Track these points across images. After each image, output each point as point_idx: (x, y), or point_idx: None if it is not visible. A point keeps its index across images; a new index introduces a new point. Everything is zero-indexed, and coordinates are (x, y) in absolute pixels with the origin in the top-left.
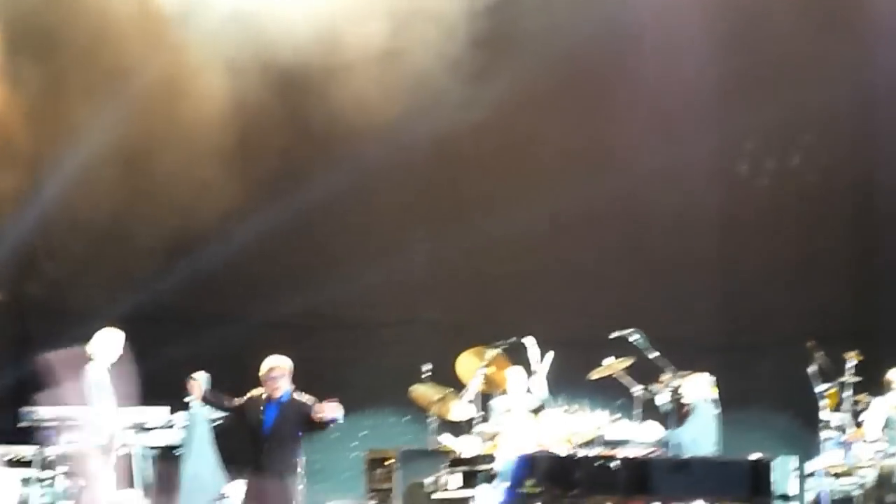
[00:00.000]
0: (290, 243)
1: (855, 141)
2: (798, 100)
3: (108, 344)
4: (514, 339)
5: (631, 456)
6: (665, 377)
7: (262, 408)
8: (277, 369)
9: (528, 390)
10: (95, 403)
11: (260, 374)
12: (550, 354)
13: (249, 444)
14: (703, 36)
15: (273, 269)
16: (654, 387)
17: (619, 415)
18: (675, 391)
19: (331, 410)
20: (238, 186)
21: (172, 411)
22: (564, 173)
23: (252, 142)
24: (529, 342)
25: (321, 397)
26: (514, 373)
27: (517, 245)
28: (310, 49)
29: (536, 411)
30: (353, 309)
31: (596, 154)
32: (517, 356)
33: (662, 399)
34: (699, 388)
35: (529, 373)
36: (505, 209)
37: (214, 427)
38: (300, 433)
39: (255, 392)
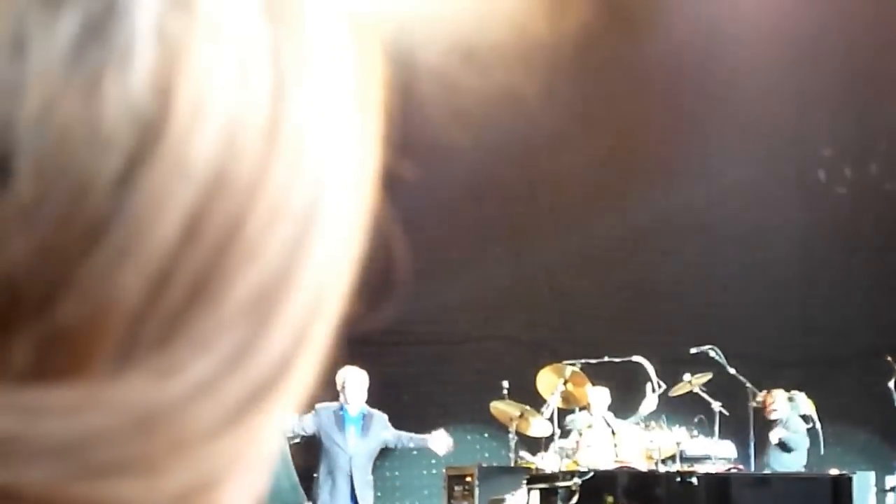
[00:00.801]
0: (368, 258)
1: None
2: (875, 107)
3: None
4: (626, 358)
5: (711, 472)
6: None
7: (335, 422)
8: (356, 380)
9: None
10: None
11: (338, 385)
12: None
13: (323, 463)
14: (778, 45)
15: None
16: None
17: (696, 431)
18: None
19: (442, 444)
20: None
21: None
22: (643, 187)
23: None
24: (644, 362)
25: (401, 414)
26: (598, 392)
27: (595, 260)
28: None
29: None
30: (433, 325)
31: (673, 167)
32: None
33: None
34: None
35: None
36: (583, 224)
37: (293, 444)
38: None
39: (327, 405)
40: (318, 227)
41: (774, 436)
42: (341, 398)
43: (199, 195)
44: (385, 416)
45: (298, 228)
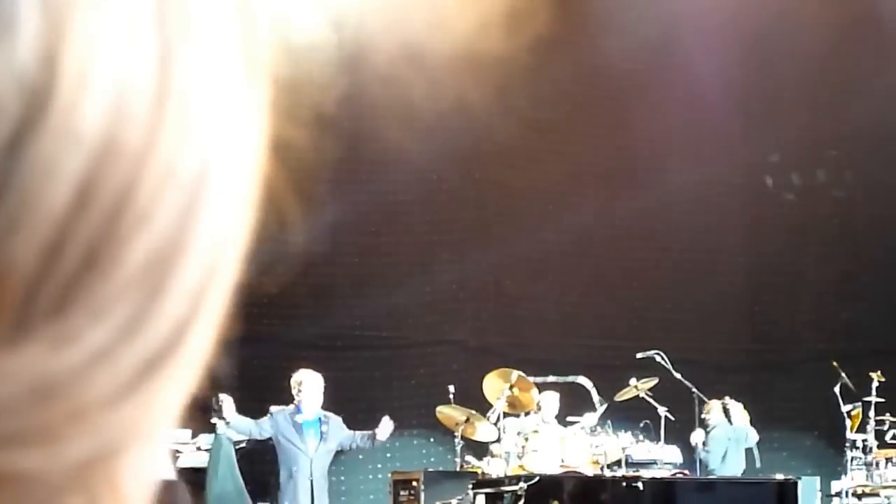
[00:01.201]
0: (316, 263)
1: (882, 157)
2: (824, 115)
3: None
4: (570, 378)
5: (657, 477)
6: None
7: (293, 426)
8: (312, 383)
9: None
10: None
11: (293, 389)
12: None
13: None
14: (727, 52)
15: (298, 290)
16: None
17: (642, 436)
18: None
19: (387, 429)
20: (262, 206)
21: (195, 434)
22: (589, 192)
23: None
24: (587, 383)
25: (348, 418)
26: (548, 396)
27: (543, 265)
28: (334, 70)
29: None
30: (380, 330)
31: (621, 172)
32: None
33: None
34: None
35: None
36: (530, 229)
37: (238, 449)
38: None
39: (282, 408)
40: (208, 194)
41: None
42: (296, 401)
43: (89, 162)
44: (340, 419)
45: (189, 194)
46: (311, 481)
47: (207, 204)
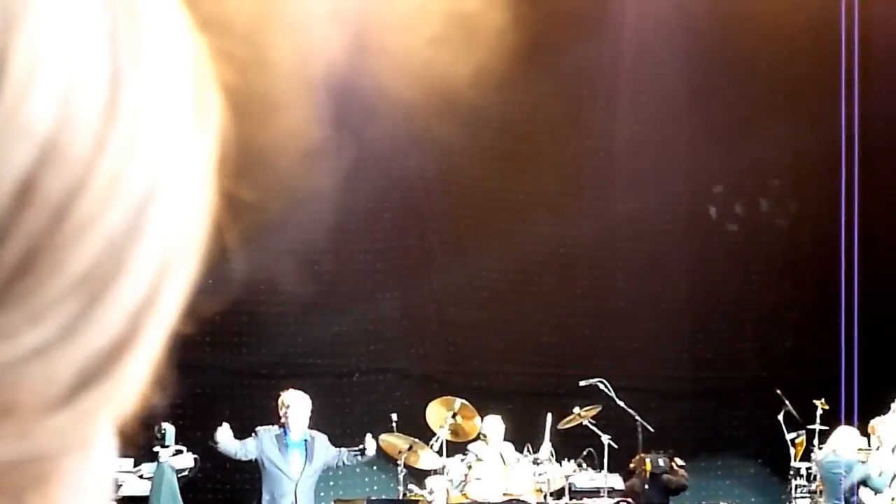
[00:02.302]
0: (258, 291)
1: (824, 187)
2: (767, 145)
3: None
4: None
5: None
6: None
7: (279, 447)
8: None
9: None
10: None
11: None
12: (549, 416)
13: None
14: (671, 80)
15: (241, 318)
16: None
17: (585, 464)
18: None
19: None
20: (205, 234)
21: (137, 462)
22: (532, 221)
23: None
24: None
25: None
26: (492, 421)
27: (485, 293)
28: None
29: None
30: (322, 357)
31: (565, 201)
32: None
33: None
34: None
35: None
36: (473, 258)
37: (180, 478)
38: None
39: (268, 428)
40: (153, 214)
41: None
42: (283, 422)
43: (34, 158)
44: (325, 437)
45: (134, 212)
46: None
47: (152, 224)
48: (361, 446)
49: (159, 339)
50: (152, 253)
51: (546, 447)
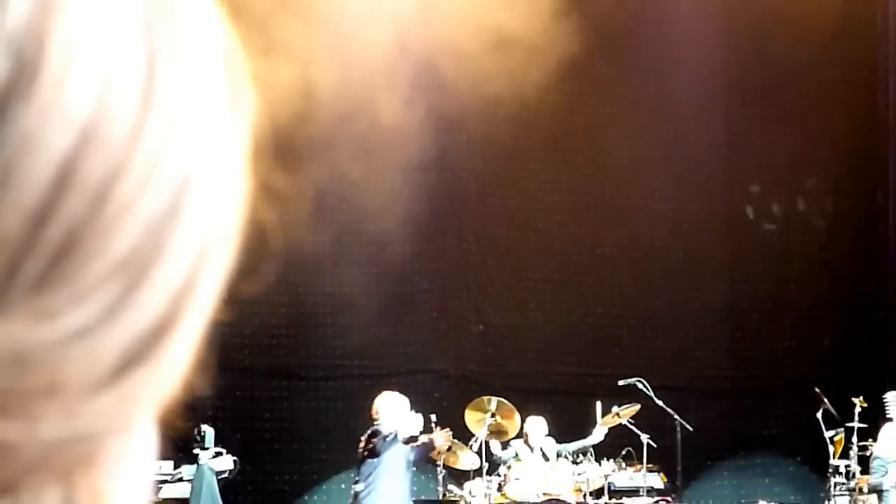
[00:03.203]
0: (297, 293)
1: (861, 186)
2: (802, 144)
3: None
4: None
5: None
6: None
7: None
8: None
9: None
10: None
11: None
12: (598, 405)
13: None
14: (707, 81)
15: (279, 320)
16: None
17: (624, 463)
18: None
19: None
20: (245, 233)
21: (177, 465)
22: (569, 222)
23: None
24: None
25: (330, 448)
26: (535, 422)
27: (523, 294)
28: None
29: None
30: (361, 359)
31: (602, 201)
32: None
33: None
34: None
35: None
36: (510, 259)
37: (220, 480)
38: None
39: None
40: (190, 199)
41: None
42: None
43: (74, 141)
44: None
45: (171, 196)
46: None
47: (190, 208)
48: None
49: (200, 324)
50: (191, 237)
51: (599, 432)
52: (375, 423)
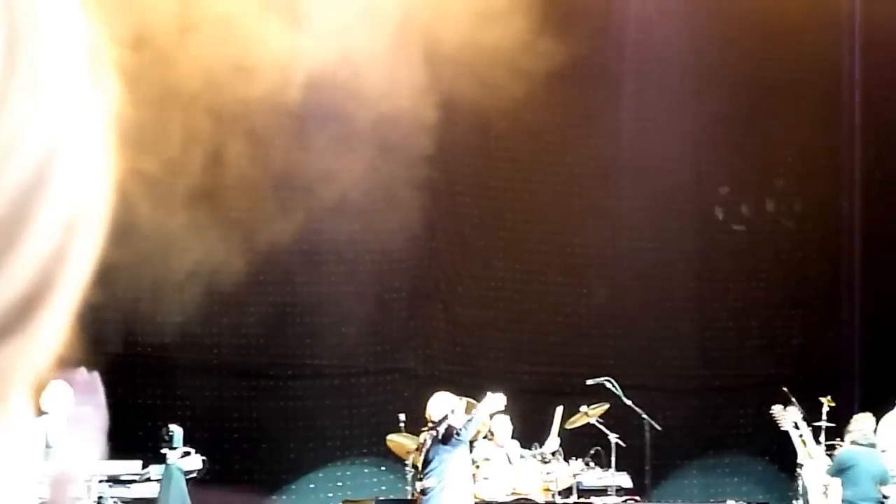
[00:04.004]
0: (266, 292)
1: (829, 186)
2: (772, 145)
3: (59, 397)
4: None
5: None
6: None
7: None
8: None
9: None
10: (50, 457)
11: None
12: (559, 409)
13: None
14: (677, 83)
15: (248, 319)
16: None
17: (593, 463)
18: None
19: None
20: (215, 233)
21: (145, 464)
22: (539, 221)
23: (226, 184)
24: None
25: (298, 447)
26: (500, 421)
27: (492, 293)
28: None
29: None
30: (330, 358)
31: (570, 201)
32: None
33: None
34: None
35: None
36: (480, 258)
37: (188, 480)
38: None
39: None
40: (56, 168)
41: None
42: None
43: None
44: None
45: (37, 163)
46: None
47: (55, 181)
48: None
49: (71, 298)
50: (58, 209)
51: (553, 440)
52: (440, 421)
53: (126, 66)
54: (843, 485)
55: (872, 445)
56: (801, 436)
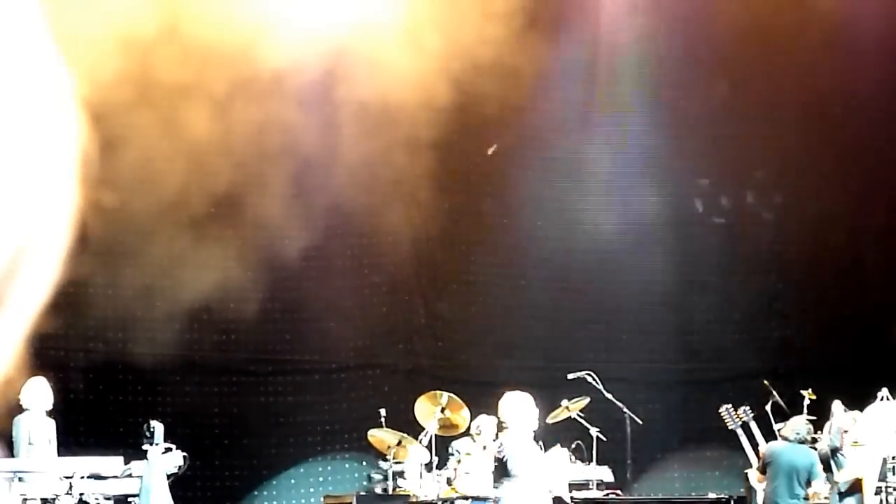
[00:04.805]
0: (246, 288)
1: (808, 178)
2: (750, 137)
3: (39, 393)
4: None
5: (590, 497)
6: None
7: None
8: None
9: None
10: (32, 453)
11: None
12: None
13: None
14: (655, 74)
15: (229, 315)
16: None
17: (574, 457)
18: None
19: None
20: (194, 231)
21: (126, 460)
22: (519, 215)
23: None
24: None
25: (280, 443)
26: (485, 421)
27: (473, 288)
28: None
29: None
30: (311, 354)
31: (550, 195)
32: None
33: None
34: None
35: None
36: (460, 252)
37: (169, 476)
38: None
39: None
40: (11, 191)
41: None
42: None
43: None
44: None
45: None
46: None
47: (9, 202)
48: None
49: (22, 319)
50: (11, 228)
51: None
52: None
53: (93, 100)
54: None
55: (802, 442)
56: (750, 438)
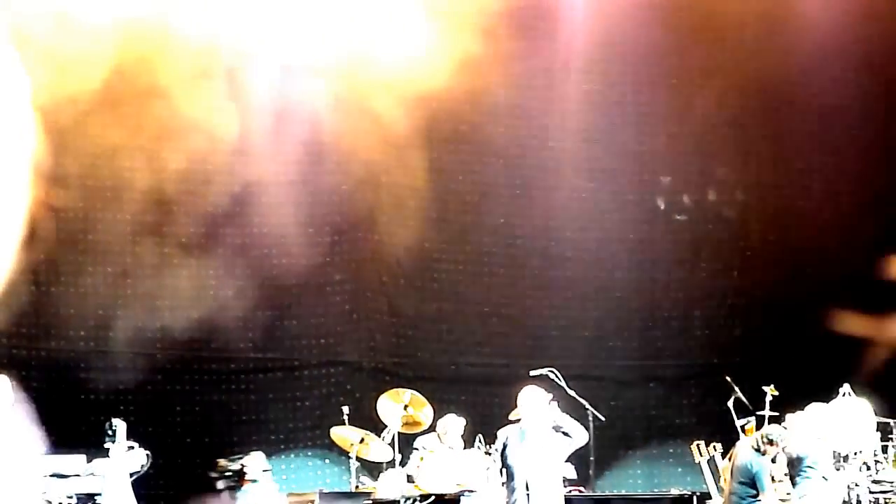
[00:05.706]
0: (206, 286)
1: (769, 175)
2: (713, 134)
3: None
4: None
5: None
6: None
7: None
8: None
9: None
10: None
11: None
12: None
13: None
14: (619, 72)
15: (189, 313)
16: None
17: None
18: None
19: None
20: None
21: (89, 459)
22: (482, 212)
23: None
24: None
25: (242, 440)
26: (451, 420)
27: (435, 285)
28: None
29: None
30: (273, 352)
31: (512, 192)
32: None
33: None
34: None
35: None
36: (423, 250)
37: (132, 474)
38: None
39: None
40: None
41: None
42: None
43: None
44: None
45: None
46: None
47: None
48: None
49: None
50: None
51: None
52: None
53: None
54: None
55: (757, 450)
56: (713, 470)
